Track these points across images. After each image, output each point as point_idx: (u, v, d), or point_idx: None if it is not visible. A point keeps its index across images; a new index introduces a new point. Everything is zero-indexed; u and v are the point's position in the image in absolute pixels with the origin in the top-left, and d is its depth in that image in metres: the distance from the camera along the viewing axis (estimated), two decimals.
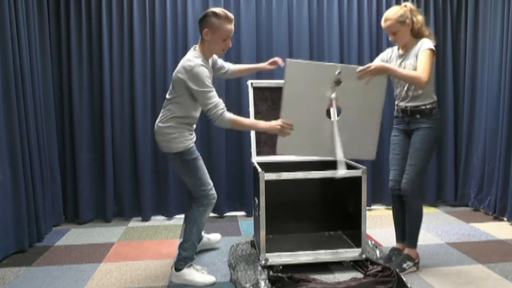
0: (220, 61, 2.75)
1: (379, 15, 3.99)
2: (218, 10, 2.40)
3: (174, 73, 2.45)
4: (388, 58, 2.71)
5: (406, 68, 2.53)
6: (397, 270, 2.43)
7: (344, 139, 2.46)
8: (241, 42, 3.76)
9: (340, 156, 2.43)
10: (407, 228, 2.61)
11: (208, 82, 2.35)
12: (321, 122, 2.46)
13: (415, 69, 2.48)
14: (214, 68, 2.67)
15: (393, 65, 2.60)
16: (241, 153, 3.83)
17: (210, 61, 2.57)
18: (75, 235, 3.38)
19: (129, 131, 3.76)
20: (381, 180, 4.07)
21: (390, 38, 2.59)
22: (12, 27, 2.90)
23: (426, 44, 2.46)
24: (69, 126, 3.69)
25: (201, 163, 2.50)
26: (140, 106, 3.70)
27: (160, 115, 2.52)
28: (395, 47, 2.70)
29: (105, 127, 3.68)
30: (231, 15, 2.42)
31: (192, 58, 2.38)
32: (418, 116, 2.56)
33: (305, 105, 2.42)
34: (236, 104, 3.74)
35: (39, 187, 3.15)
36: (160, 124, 2.48)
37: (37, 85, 3.25)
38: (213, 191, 2.51)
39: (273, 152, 2.98)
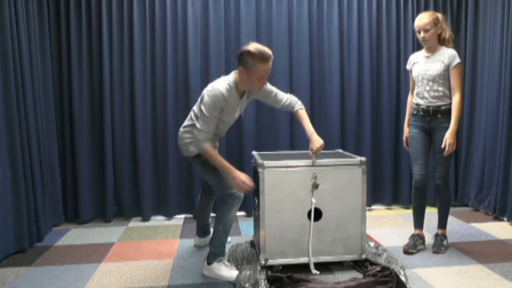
0: (280, 95, 2.65)
1: (379, 15, 3.99)
2: (253, 48, 2.28)
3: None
4: (416, 61, 2.88)
5: (431, 70, 2.75)
6: (440, 248, 2.85)
7: (328, 239, 2.56)
8: (241, 42, 3.75)
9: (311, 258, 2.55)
10: (439, 214, 2.96)
11: (214, 110, 2.36)
12: (303, 226, 2.53)
13: (440, 73, 2.73)
14: (266, 98, 2.67)
15: (421, 66, 2.82)
16: (241, 153, 3.83)
17: (248, 92, 2.58)
18: (75, 235, 3.38)
19: (129, 131, 3.76)
20: (381, 180, 4.07)
21: (420, 36, 2.74)
22: (12, 27, 2.90)
23: (457, 58, 2.71)
24: (69, 126, 3.70)
25: None
26: (140, 106, 3.70)
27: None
28: (418, 53, 2.91)
29: (105, 127, 3.68)
30: (267, 53, 2.29)
31: (222, 83, 2.41)
32: (439, 116, 2.77)
33: (286, 211, 2.51)
34: None
35: (39, 187, 3.15)
36: (181, 129, 2.62)
37: (37, 85, 3.25)
38: (236, 190, 2.48)
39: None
